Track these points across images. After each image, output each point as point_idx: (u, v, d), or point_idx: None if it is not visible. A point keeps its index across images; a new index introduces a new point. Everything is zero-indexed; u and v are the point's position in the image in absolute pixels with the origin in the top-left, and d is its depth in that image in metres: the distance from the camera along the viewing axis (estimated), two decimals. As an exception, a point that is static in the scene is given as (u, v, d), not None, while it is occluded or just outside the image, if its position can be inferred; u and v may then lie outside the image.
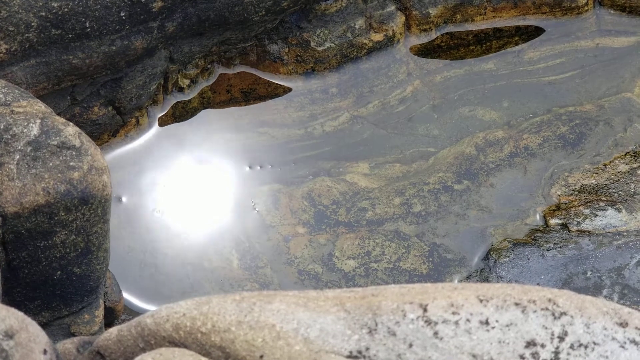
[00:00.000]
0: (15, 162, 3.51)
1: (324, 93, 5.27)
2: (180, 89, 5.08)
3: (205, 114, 5.15)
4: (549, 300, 2.60)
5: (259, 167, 5.04)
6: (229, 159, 5.05)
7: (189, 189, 4.94)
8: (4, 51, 4.11)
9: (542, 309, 2.59)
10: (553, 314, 2.59)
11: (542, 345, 2.56)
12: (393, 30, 5.33)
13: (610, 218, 4.96)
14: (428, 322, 2.55)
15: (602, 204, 5.00)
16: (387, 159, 5.15)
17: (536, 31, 5.57)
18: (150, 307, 4.54)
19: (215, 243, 4.80)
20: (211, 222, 4.87)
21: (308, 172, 5.07)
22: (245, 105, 5.21)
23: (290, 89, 5.25)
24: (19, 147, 3.54)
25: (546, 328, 2.57)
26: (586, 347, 2.57)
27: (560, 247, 4.84)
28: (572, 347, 2.57)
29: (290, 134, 5.16)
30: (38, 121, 3.61)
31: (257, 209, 4.90)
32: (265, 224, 4.87)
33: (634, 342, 2.60)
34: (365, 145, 5.19)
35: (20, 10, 4.06)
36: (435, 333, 2.54)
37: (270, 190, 4.98)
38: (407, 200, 4.99)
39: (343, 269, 4.77)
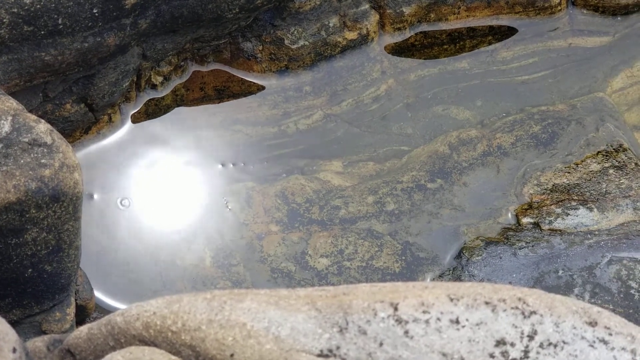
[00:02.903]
0: (-15, 159, 3.48)
1: (297, 91, 5.26)
2: (153, 86, 5.07)
3: (178, 112, 5.14)
4: (519, 299, 2.61)
5: (232, 165, 5.04)
6: (202, 156, 5.04)
7: (162, 187, 4.92)
8: (-25, 47, 4.09)
9: (512, 308, 2.60)
10: (523, 313, 2.60)
11: (512, 344, 2.56)
12: (367, 28, 5.33)
13: (582, 217, 4.98)
14: (399, 321, 2.55)
15: (573, 203, 5.02)
16: (361, 157, 5.15)
17: (509, 31, 5.59)
18: (122, 306, 4.53)
19: (187, 241, 4.79)
20: (184, 220, 4.86)
21: (281, 170, 5.06)
22: (218, 103, 5.20)
23: (264, 87, 5.25)
24: (-10, 144, 3.52)
25: (516, 327, 2.58)
26: (555, 346, 2.58)
27: (532, 246, 4.86)
28: (541, 346, 2.58)
29: (264, 132, 5.16)
30: (9, 118, 3.59)
31: (230, 207, 4.90)
32: (239, 222, 4.86)
33: (603, 341, 2.61)
34: (338, 143, 5.19)
35: (-8, 6, 4.03)
36: (406, 332, 2.55)
37: (244, 188, 4.97)
38: (381, 199, 5.00)
39: (316, 267, 4.77)
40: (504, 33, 5.58)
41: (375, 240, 4.87)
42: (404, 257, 4.83)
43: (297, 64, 5.26)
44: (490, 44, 5.56)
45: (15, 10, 4.08)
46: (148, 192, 4.89)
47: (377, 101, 5.34)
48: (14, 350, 2.59)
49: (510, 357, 2.55)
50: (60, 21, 4.20)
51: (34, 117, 3.65)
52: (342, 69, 5.34)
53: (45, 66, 4.32)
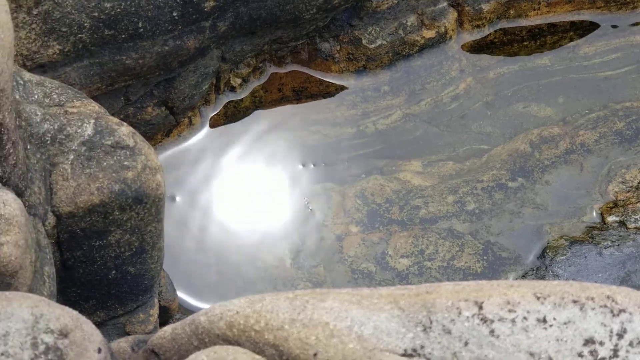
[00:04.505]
0: (69, 162, 3.53)
1: (376, 91, 5.25)
2: (232, 89, 5.09)
3: (257, 113, 5.16)
4: (608, 297, 2.56)
5: (312, 166, 5.04)
6: (281, 157, 5.05)
7: (242, 188, 4.95)
8: (58, 52, 4.14)
9: (600, 306, 2.55)
10: (612, 311, 2.55)
11: (601, 343, 2.52)
12: (445, 26, 5.29)
13: (669, 215, 4.89)
14: (484, 320, 2.52)
15: (660, 201, 4.94)
16: (440, 156, 5.12)
17: (591, 26, 5.51)
18: (204, 306, 4.55)
19: (268, 242, 4.80)
20: (264, 221, 4.87)
21: (361, 170, 5.05)
22: (296, 104, 5.21)
23: (342, 87, 5.24)
24: (73, 147, 3.56)
25: (605, 325, 2.53)
26: (646, 345, 2.53)
27: (618, 245, 4.79)
28: (631, 344, 2.52)
29: (343, 133, 5.15)
30: (92, 121, 3.63)
31: (310, 208, 4.90)
32: (318, 222, 4.86)
33: (695, 339, 2.55)
34: (417, 143, 5.16)
35: (73, 11, 4.08)
36: (492, 331, 2.51)
37: (323, 189, 4.97)
38: (461, 198, 4.95)
39: (396, 268, 4.75)
40: (586, 28, 5.50)
41: (456, 240, 4.83)
42: (485, 257, 4.78)
43: (375, 64, 5.24)
44: (571, 39, 5.48)
45: (96, 14, 4.13)
46: (229, 193, 4.91)
47: (456, 100, 5.30)
48: (99, 350, 2.61)
49: (599, 357, 2.50)
50: (140, 25, 4.24)
51: (116, 120, 3.68)
52: (420, 68, 5.31)
53: (126, 70, 4.36)
